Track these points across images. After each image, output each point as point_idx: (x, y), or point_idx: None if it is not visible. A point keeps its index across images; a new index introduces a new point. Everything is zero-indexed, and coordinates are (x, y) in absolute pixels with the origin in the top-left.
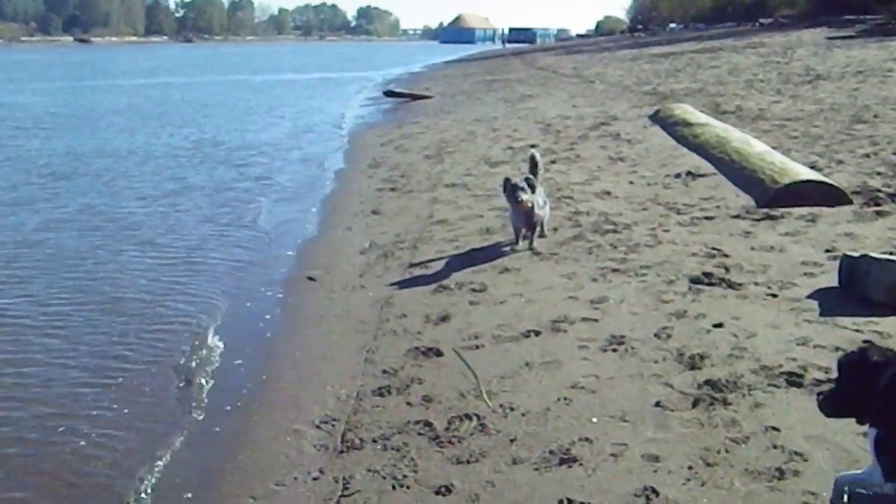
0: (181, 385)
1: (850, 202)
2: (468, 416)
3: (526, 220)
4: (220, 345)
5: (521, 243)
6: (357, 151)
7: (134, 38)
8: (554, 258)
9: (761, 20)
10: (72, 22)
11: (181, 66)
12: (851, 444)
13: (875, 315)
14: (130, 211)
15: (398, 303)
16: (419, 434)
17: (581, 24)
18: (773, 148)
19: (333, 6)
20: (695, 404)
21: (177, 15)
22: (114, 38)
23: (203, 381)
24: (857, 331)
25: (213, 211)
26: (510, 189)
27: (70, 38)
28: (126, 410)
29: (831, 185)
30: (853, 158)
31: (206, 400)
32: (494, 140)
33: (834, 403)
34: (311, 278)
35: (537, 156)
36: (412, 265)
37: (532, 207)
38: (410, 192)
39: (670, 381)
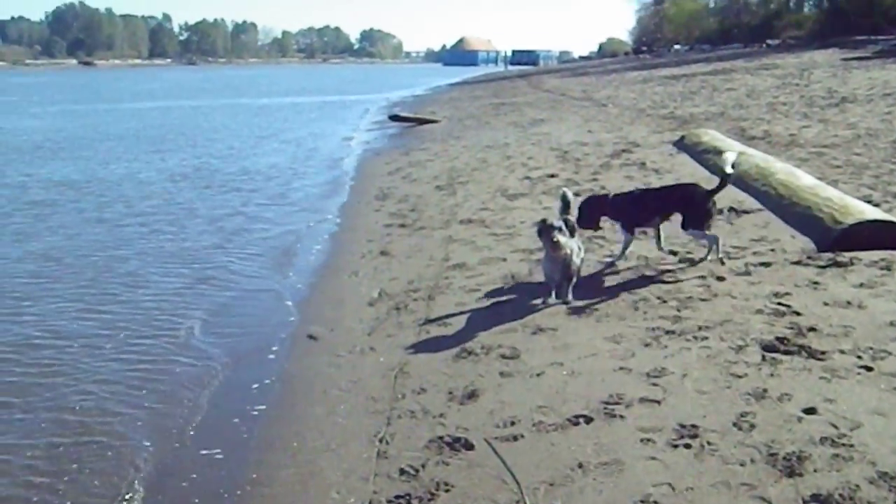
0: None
1: None
2: None
3: (563, 270)
4: (199, 430)
5: (553, 296)
6: (363, 181)
7: (138, 61)
8: (594, 315)
9: (769, 41)
10: (76, 45)
11: (185, 90)
12: None
13: None
14: (118, 241)
15: (415, 372)
16: None
17: (583, 45)
18: (818, 179)
19: (337, 29)
20: None
21: (180, 38)
22: (117, 61)
23: (174, 482)
24: None
25: (202, 246)
26: (546, 230)
27: (74, 62)
28: None
29: None
30: None
31: None
32: (509, 169)
33: (583, 223)
34: (311, 337)
35: (570, 195)
36: (428, 321)
37: (570, 254)
38: (422, 228)
39: (767, 496)
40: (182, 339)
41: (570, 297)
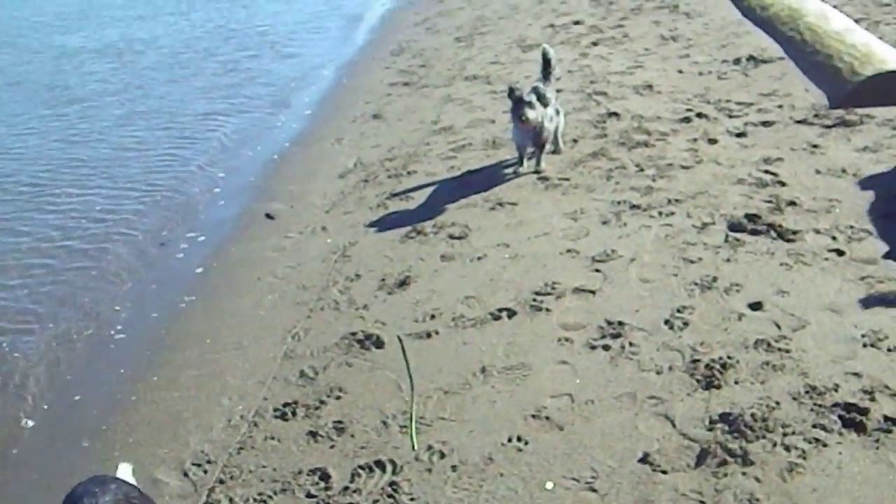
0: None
1: None
2: (380, 465)
3: (534, 139)
4: (121, 323)
5: (525, 164)
6: (385, 34)
7: None
8: (562, 186)
9: None
10: None
11: None
12: None
13: None
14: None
15: (357, 255)
16: (308, 496)
17: None
18: (857, 22)
19: None
20: (700, 461)
21: None
22: None
23: (72, 385)
24: None
25: (183, 111)
26: (514, 104)
27: None
28: None
29: None
30: None
31: (58, 417)
32: (537, 16)
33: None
34: (269, 216)
35: (550, 52)
36: (392, 195)
37: (541, 124)
38: (424, 87)
39: (671, 414)
40: (141, 213)
41: (542, 165)
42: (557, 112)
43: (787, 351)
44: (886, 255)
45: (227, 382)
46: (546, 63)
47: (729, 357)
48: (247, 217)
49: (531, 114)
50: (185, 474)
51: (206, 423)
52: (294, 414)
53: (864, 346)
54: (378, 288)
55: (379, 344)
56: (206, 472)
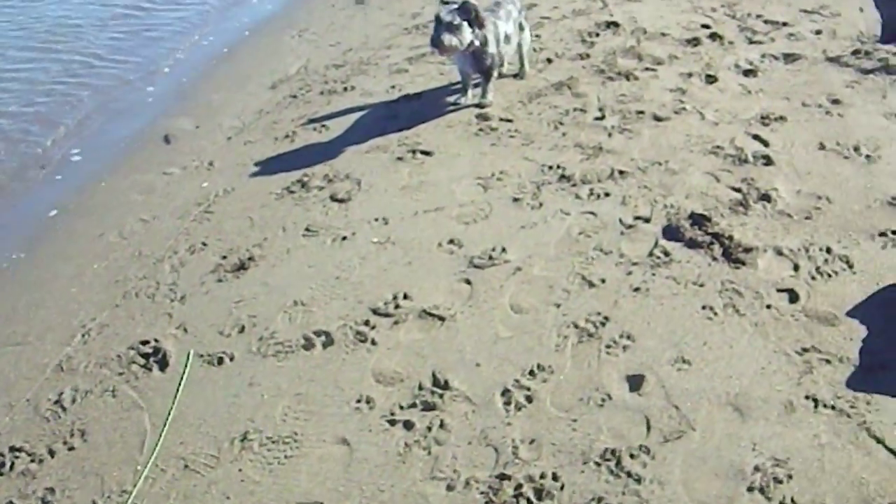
0: None
1: None
2: None
3: (475, 65)
4: None
5: (469, 94)
6: None
7: None
8: (498, 132)
9: None
10: None
11: None
12: None
13: None
14: None
15: (220, 213)
16: None
17: None
18: None
19: None
20: None
21: None
22: None
23: None
24: None
25: None
26: (435, 24)
27: None
28: None
29: None
30: None
31: None
32: None
33: None
34: (166, 139)
35: None
36: (311, 121)
37: (480, 48)
38: None
39: None
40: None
41: (488, 97)
42: (521, 27)
43: (639, 480)
44: (850, 313)
45: None
46: None
47: (554, 477)
48: (146, 135)
49: (449, 39)
50: None
51: None
52: (12, 467)
53: (751, 489)
54: (212, 270)
55: (163, 364)
56: None
